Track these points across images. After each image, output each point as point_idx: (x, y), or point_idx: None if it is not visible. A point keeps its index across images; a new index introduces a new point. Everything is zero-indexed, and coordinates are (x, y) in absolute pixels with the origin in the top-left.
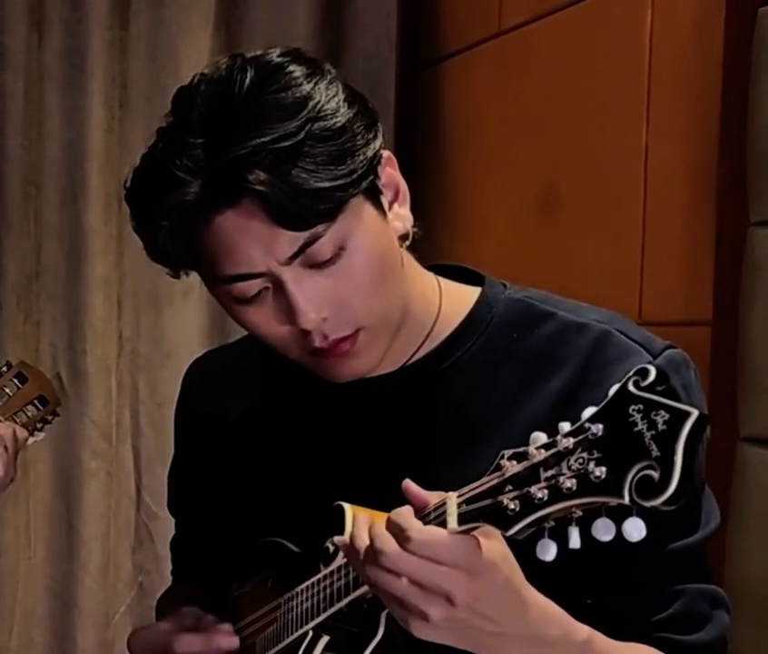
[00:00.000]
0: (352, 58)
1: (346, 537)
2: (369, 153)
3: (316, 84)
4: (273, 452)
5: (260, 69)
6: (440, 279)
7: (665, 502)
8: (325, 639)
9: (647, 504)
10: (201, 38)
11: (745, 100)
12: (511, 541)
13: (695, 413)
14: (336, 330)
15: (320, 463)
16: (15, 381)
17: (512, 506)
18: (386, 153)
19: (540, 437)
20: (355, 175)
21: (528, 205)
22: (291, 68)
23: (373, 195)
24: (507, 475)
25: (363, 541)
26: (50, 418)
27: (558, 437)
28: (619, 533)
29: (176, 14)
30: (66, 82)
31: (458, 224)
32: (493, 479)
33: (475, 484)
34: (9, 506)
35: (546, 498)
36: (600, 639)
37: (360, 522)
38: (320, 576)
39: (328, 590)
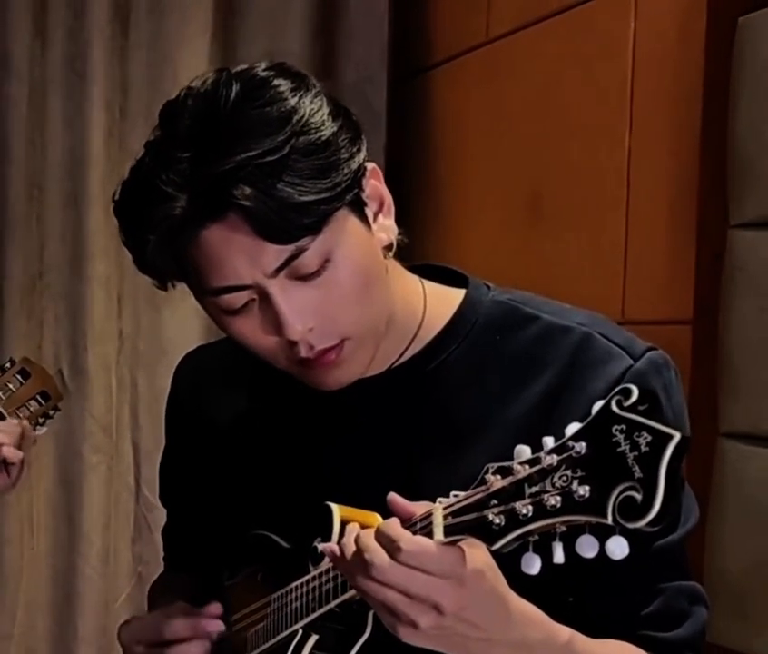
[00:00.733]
0: (345, 66)
1: (333, 545)
2: (354, 167)
3: (301, 98)
4: (263, 447)
5: (245, 83)
6: (424, 282)
7: (648, 524)
8: (314, 637)
9: (630, 526)
10: (199, 46)
11: (726, 106)
12: (496, 554)
13: (677, 436)
14: (322, 340)
15: (309, 460)
16: (19, 377)
17: (497, 521)
18: (370, 166)
19: (524, 451)
20: (339, 189)
21: (515, 209)
22: (276, 82)
23: (357, 208)
24: (492, 490)
25: (352, 551)
26: (52, 413)
27: (542, 453)
28: (602, 550)
29: (175, 23)
30: (68, 88)
31: (447, 227)
32: (478, 493)
33: (460, 497)
34: (12, 498)
35: (530, 514)
36: (581, 639)
37: (349, 531)
38: (309, 577)
39: (317, 591)
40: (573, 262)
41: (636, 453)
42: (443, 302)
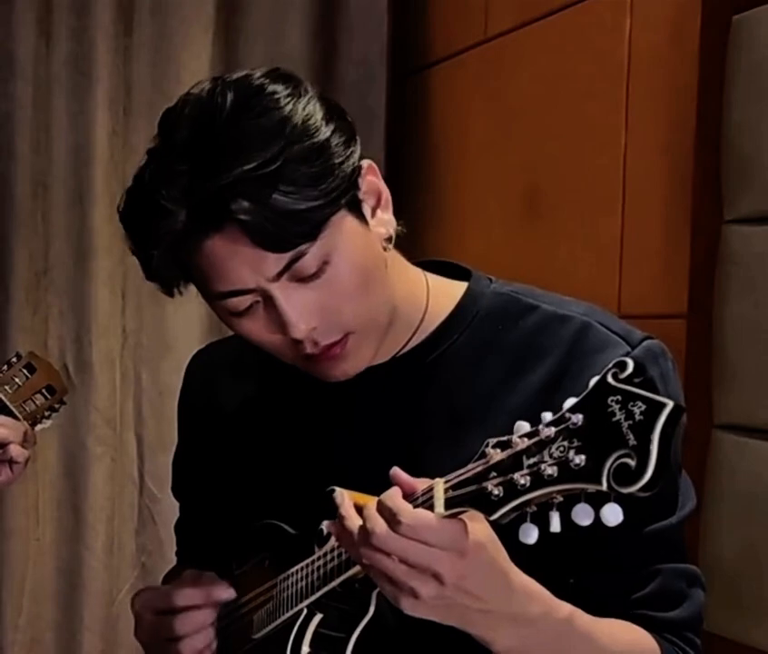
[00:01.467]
0: (345, 64)
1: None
2: (348, 170)
3: (294, 104)
4: (271, 438)
5: (240, 92)
6: (428, 275)
7: (641, 489)
8: (318, 616)
9: (624, 491)
10: (202, 45)
11: (720, 103)
12: (495, 525)
13: (671, 404)
14: (326, 336)
15: (315, 449)
16: (25, 371)
17: (496, 492)
18: (366, 163)
19: (523, 426)
20: (334, 194)
21: (513, 204)
22: (271, 89)
23: (354, 207)
24: (492, 462)
25: (354, 523)
26: (57, 406)
27: (540, 426)
28: (598, 518)
29: (177, 23)
30: (73, 87)
31: (446, 223)
32: (478, 466)
33: (461, 471)
34: (18, 489)
35: (528, 484)
36: (581, 616)
37: (350, 505)
38: (314, 557)
39: (321, 571)
40: (570, 256)
41: (631, 422)
42: (446, 294)
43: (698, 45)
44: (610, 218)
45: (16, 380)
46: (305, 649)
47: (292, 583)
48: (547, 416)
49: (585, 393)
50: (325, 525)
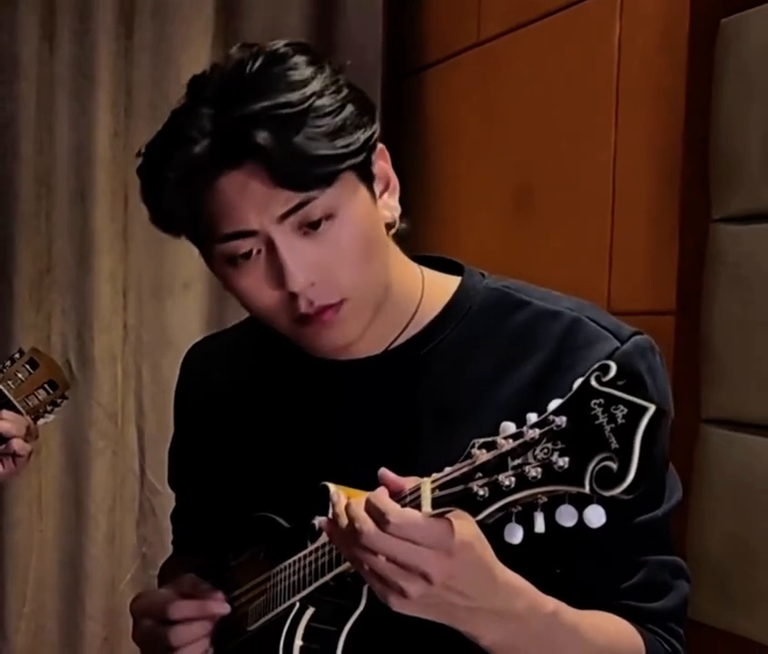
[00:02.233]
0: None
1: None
2: (365, 136)
3: (320, 68)
4: (265, 433)
5: (269, 54)
6: (423, 269)
7: (623, 492)
8: (311, 610)
9: (606, 494)
10: (201, 48)
11: (708, 104)
12: (481, 524)
13: (652, 408)
14: (322, 296)
15: (308, 443)
16: (28, 366)
17: (482, 492)
18: (380, 146)
19: (509, 427)
20: (351, 149)
21: (505, 203)
22: (298, 57)
23: (366, 178)
24: (478, 463)
25: (344, 520)
26: (60, 401)
27: (525, 428)
28: (581, 519)
29: (178, 26)
30: (75, 89)
31: (440, 221)
32: (464, 466)
33: (447, 471)
34: (22, 482)
35: (513, 485)
36: (566, 609)
37: (342, 503)
38: (306, 552)
39: (313, 566)
40: (560, 254)
41: (613, 425)
42: (440, 288)
43: (686, 48)
44: (600, 216)
45: (19, 375)
46: (297, 642)
47: (285, 577)
48: (532, 417)
49: (568, 396)
50: (317, 521)
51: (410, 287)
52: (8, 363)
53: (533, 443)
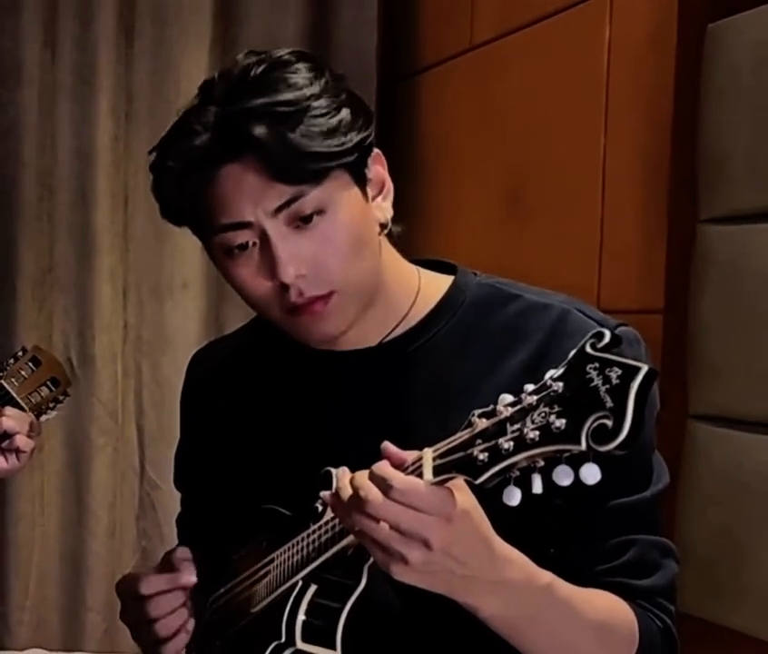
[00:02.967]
0: (336, 71)
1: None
2: (359, 138)
3: (320, 74)
4: (267, 428)
5: (273, 60)
6: (420, 269)
7: (618, 446)
8: (313, 587)
9: (602, 449)
10: (199, 54)
11: (696, 108)
12: (481, 489)
13: (645, 368)
14: (312, 287)
15: (308, 436)
16: (30, 364)
17: (482, 457)
18: (376, 151)
19: (507, 397)
20: (343, 148)
21: (498, 205)
22: (300, 63)
23: (358, 178)
24: (477, 430)
25: (348, 492)
26: (61, 398)
27: (523, 395)
28: (577, 478)
29: (177, 33)
30: (77, 95)
31: (434, 222)
32: (465, 434)
33: (448, 440)
34: (25, 478)
35: (511, 449)
36: (561, 584)
37: (346, 477)
38: (308, 531)
39: (315, 544)
40: (551, 254)
41: (608, 386)
42: (434, 286)
43: (675, 52)
44: (590, 217)
45: (22, 373)
46: (300, 617)
47: (288, 558)
48: (530, 387)
49: (565, 363)
50: (321, 495)
51: (406, 285)
52: (11, 361)
53: (531, 409)
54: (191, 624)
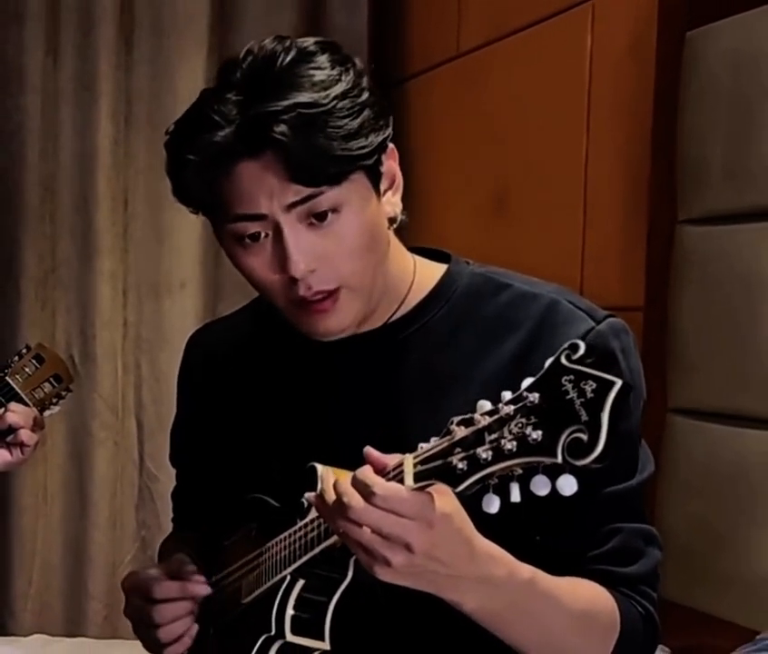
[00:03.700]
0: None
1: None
2: (379, 139)
3: (345, 71)
4: (260, 414)
5: (300, 50)
6: (416, 257)
7: (594, 461)
8: (301, 582)
9: (578, 463)
10: (196, 61)
11: (675, 113)
12: (460, 496)
13: (619, 383)
14: (320, 282)
15: (302, 423)
16: (34, 361)
17: (461, 466)
18: (390, 146)
19: (485, 405)
20: (364, 151)
21: (483, 206)
22: (325, 56)
23: (373, 177)
24: (456, 439)
25: (332, 497)
26: (64, 394)
27: (500, 405)
28: (554, 488)
29: (174, 40)
30: (78, 100)
31: (423, 222)
32: (444, 442)
33: (428, 447)
34: (28, 471)
35: (490, 458)
36: (543, 576)
37: (329, 480)
38: (295, 527)
39: (303, 540)
40: (535, 253)
41: (583, 400)
42: (429, 273)
43: (654, 59)
44: (573, 217)
45: (26, 369)
46: (289, 612)
47: (276, 552)
48: (507, 395)
49: (540, 374)
50: (306, 497)
51: (403, 273)
52: (16, 358)
53: (508, 419)
54: (194, 630)
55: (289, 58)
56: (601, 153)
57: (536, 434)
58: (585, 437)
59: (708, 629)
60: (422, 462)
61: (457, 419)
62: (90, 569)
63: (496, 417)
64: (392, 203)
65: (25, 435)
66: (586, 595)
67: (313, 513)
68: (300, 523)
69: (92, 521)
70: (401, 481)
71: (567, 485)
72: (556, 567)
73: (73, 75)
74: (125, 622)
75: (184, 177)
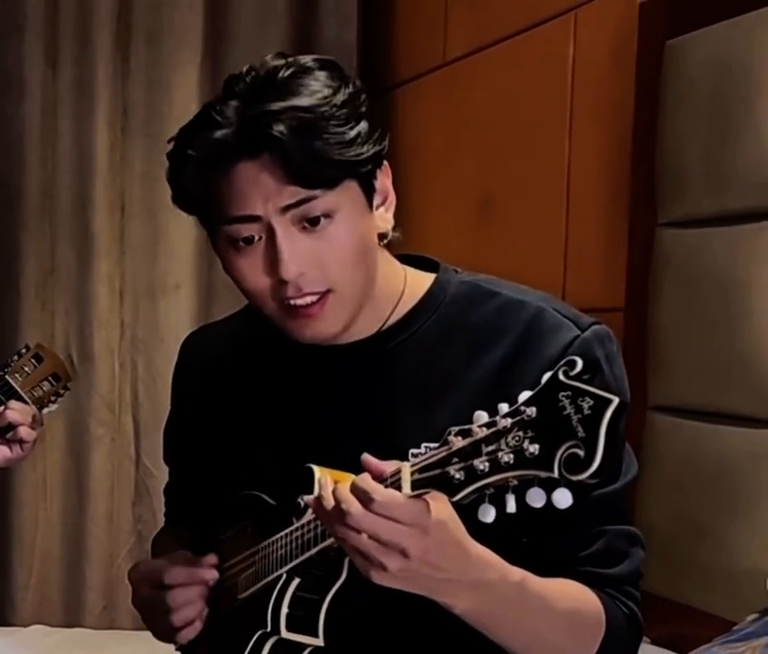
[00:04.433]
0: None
1: (315, 497)
2: (374, 150)
3: (345, 82)
4: (254, 415)
5: (301, 65)
6: (406, 268)
7: (589, 477)
8: (296, 580)
9: (574, 478)
10: (191, 70)
11: (655, 120)
12: (456, 505)
13: (616, 401)
14: (310, 284)
15: (295, 425)
16: (33, 360)
17: (458, 476)
18: (385, 163)
19: (482, 416)
20: (360, 159)
21: (468, 211)
22: (325, 71)
23: (367, 189)
24: (454, 449)
25: (330, 502)
26: (62, 392)
27: (498, 417)
28: (549, 501)
29: (169, 50)
30: (76, 109)
31: (409, 228)
32: (441, 452)
33: (426, 455)
34: (28, 466)
35: (486, 469)
36: (532, 578)
37: (327, 485)
38: (292, 528)
39: (299, 541)
40: (519, 257)
41: (580, 416)
42: (418, 283)
43: (635, 68)
44: (555, 222)
45: (26, 368)
46: (284, 609)
47: (273, 550)
48: (504, 407)
49: (538, 388)
50: (304, 499)
51: (394, 283)
52: (15, 358)
53: (505, 432)
54: (204, 612)
55: (289, 71)
56: (583, 159)
57: (533, 448)
58: (581, 453)
59: (689, 620)
60: (419, 471)
61: (455, 429)
62: (88, 562)
63: (493, 429)
64: (384, 218)
65: (24, 432)
66: (573, 596)
67: (310, 514)
68: (297, 524)
69: (90, 516)
70: (398, 489)
71: (563, 499)
72: (543, 569)
73: (71, 85)
74: (122, 613)
75: (184, 178)
